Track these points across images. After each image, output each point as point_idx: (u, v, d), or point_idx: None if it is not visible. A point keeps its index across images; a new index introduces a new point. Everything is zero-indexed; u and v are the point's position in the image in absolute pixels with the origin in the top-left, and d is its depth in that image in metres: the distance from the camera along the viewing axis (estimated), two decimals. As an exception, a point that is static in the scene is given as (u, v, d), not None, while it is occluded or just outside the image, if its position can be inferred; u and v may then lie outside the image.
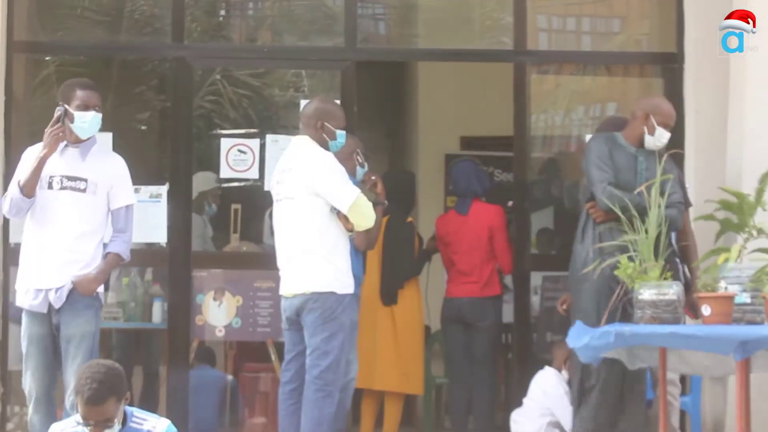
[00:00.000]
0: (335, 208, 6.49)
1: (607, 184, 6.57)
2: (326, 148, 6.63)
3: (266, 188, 7.82)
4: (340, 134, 6.66)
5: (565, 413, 7.10)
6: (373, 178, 7.35)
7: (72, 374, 6.04)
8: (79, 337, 6.15)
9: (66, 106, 6.28)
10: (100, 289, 6.31)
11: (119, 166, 6.44)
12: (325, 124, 6.63)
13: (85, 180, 6.28)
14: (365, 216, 6.51)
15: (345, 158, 7.13)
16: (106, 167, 6.36)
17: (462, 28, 8.69)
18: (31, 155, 6.32)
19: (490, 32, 8.85)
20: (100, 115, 6.33)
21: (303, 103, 7.48)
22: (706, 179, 7.29)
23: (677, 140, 7.88)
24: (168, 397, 7.90)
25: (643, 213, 6.08)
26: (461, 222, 8.20)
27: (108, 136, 7.60)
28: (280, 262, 6.69)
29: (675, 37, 8.05)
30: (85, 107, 6.28)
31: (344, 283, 6.55)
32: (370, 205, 6.54)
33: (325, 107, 6.70)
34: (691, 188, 7.19)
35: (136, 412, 5.01)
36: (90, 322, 6.22)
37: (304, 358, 6.52)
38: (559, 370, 7.37)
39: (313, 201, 6.48)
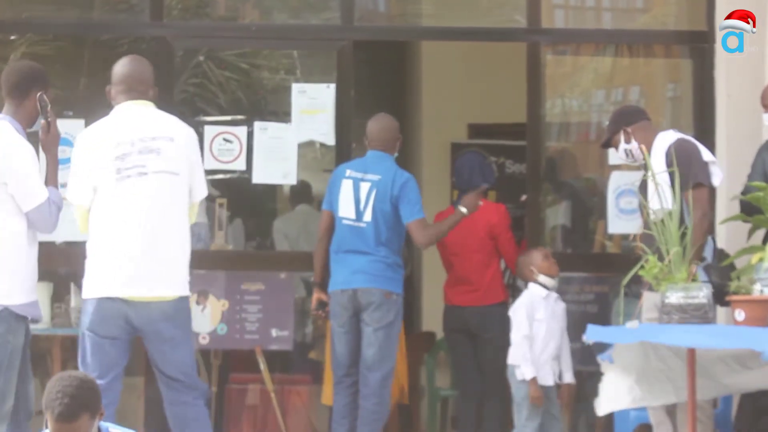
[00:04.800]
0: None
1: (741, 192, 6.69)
2: None
3: (255, 181, 7.87)
4: None
5: None
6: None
7: None
8: None
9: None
10: None
11: None
12: None
13: None
14: None
15: None
16: None
17: (470, 4, 8.66)
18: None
19: (500, 9, 8.81)
20: None
21: (295, 86, 7.57)
22: (737, 169, 7.27)
23: (707, 127, 7.91)
24: (146, 411, 7.89)
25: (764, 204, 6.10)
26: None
27: (80, 123, 7.58)
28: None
29: (705, 14, 8.03)
30: None
31: None
32: None
33: None
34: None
35: (112, 428, 4.98)
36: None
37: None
38: None
39: None
